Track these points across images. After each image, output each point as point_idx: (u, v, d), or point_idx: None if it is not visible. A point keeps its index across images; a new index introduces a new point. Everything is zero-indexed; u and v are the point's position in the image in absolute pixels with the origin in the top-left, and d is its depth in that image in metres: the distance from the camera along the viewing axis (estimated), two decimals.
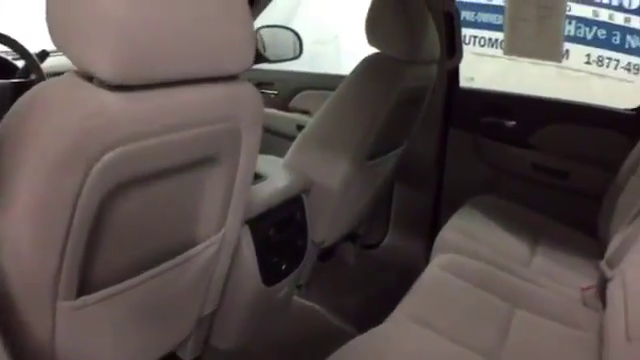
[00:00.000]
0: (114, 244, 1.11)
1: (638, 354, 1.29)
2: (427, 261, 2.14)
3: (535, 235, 2.29)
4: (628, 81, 5.39)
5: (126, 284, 1.15)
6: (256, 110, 1.27)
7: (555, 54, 2.49)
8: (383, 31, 2.01)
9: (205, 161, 1.22)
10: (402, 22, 1.98)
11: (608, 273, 1.77)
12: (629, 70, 5.50)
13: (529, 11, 2.40)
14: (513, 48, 2.54)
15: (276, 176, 1.90)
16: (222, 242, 1.38)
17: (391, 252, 2.78)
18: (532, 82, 4.04)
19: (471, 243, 2.10)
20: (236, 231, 1.45)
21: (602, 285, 1.80)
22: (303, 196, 1.95)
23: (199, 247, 1.31)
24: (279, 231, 1.80)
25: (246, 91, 1.24)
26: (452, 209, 2.40)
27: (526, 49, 2.49)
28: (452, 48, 2.55)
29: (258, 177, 1.81)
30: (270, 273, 1.77)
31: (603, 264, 1.83)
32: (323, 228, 2.04)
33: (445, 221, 2.31)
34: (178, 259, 1.26)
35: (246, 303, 1.71)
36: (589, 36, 5.23)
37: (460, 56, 2.55)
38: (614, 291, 1.64)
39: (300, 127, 2.73)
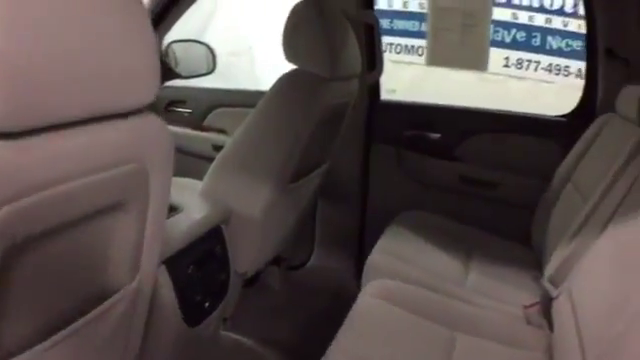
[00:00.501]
0: (15, 309, 0.95)
1: None
2: (358, 283, 2.05)
3: (467, 250, 2.23)
4: (549, 82, 5.50)
5: (34, 352, 1.00)
6: (165, 146, 1.13)
7: (480, 63, 2.44)
8: (301, 47, 1.89)
9: (111, 207, 1.07)
10: (321, 37, 1.87)
11: (553, 292, 1.72)
12: (550, 71, 5.60)
13: (453, 20, 2.34)
14: (436, 58, 2.48)
15: (192, 207, 1.76)
16: (138, 289, 1.24)
17: (318, 273, 2.68)
18: (450, 87, 4.04)
19: (402, 265, 2.01)
20: (152, 275, 1.31)
21: (547, 303, 1.75)
22: (223, 227, 1.81)
23: (113, 299, 1.17)
24: (199, 267, 1.65)
25: (152, 126, 1.10)
26: (379, 225, 2.32)
27: (450, 59, 2.43)
28: (372, 61, 2.46)
29: (173, 209, 1.67)
30: (193, 313, 1.63)
31: (546, 282, 1.78)
32: (246, 258, 1.91)
33: (372, 238, 2.22)
34: (91, 316, 1.11)
35: (169, 348, 1.57)
36: (508, 39, 5.29)
37: (381, 69, 2.47)
38: (562, 311, 1.59)
39: (216, 147, 2.59)
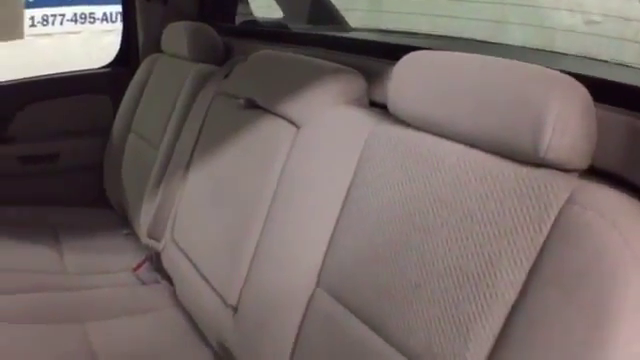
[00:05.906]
0: None
1: (245, 322, 1.30)
2: None
3: (54, 233, 2.10)
4: (75, 32, 5.42)
5: None
6: None
7: (16, 32, 2.24)
8: None
9: None
10: None
11: (157, 246, 1.77)
12: (76, 21, 5.54)
13: None
14: None
15: None
16: None
17: None
18: None
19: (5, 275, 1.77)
20: None
21: (157, 259, 1.80)
22: None
23: None
24: None
25: None
26: None
27: None
28: None
29: None
30: None
31: (146, 238, 1.80)
32: None
33: None
34: None
35: None
36: None
37: None
38: (174, 261, 1.66)
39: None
